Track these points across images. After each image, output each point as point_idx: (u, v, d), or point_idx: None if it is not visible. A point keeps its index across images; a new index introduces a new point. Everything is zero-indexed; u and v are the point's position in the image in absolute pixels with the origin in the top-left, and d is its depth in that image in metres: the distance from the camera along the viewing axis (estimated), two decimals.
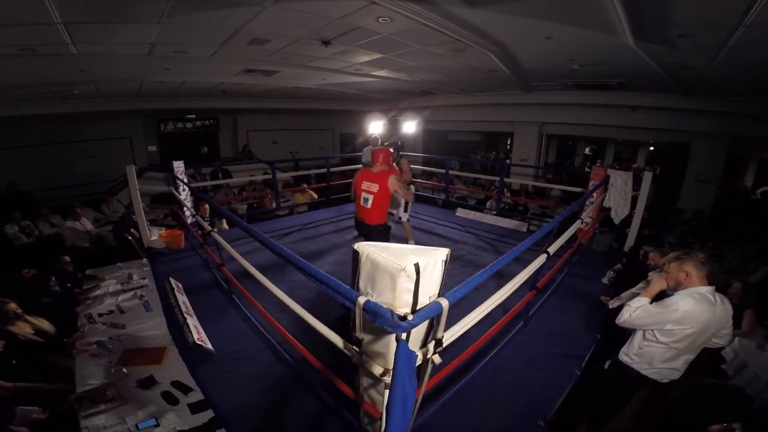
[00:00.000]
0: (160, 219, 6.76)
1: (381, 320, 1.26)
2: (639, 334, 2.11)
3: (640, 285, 2.83)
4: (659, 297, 2.12)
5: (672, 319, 1.92)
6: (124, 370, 2.39)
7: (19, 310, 2.80)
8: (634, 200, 4.50)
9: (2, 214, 6.16)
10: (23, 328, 2.74)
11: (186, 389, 2.25)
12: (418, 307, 1.42)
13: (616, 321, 2.11)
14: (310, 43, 4.32)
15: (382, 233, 3.41)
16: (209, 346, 2.73)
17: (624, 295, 2.96)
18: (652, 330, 2.02)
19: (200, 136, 11.55)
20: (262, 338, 2.91)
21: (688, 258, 1.98)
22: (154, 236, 4.88)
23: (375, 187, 3.32)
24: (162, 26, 3.48)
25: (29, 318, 2.84)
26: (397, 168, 3.86)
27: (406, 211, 4.92)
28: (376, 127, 7.33)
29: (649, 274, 2.54)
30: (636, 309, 2.02)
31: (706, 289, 1.95)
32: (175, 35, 3.83)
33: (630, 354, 2.13)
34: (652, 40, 3.59)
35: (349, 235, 5.46)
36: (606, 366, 2.26)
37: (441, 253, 1.50)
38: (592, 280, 3.90)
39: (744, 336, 3.15)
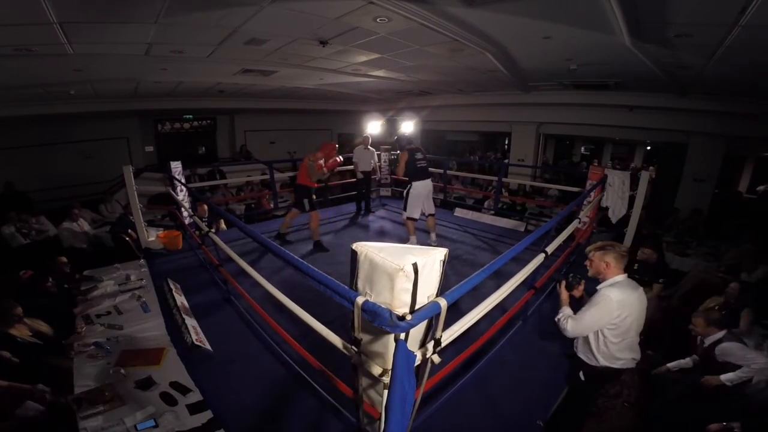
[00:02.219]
0: (158, 220, 6.73)
1: (379, 320, 1.26)
2: (591, 337, 2.16)
3: None
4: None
5: (614, 314, 2.02)
6: (123, 371, 2.37)
7: (22, 314, 2.79)
8: (632, 200, 4.51)
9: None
10: (21, 330, 2.72)
11: (185, 390, 2.24)
12: (416, 307, 1.42)
13: (567, 335, 2.21)
14: (308, 43, 4.31)
15: (296, 190, 4.90)
16: (208, 346, 2.73)
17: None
18: (600, 331, 2.10)
19: (198, 136, 11.52)
20: (261, 338, 2.91)
21: (611, 250, 2.13)
22: (152, 237, 4.87)
23: None
24: (158, 26, 3.46)
25: (27, 320, 2.82)
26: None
27: (405, 209, 4.77)
28: (374, 127, 7.34)
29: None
30: (567, 319, 2.18)
31: (622, 277, 2.10)
32: (172, 35, 3.82)
33: (595, 356, 2.17)
34: (649, 40, 3.60)
35: (347, 235, 5.46)
36: (582, 377, 2.28)
37: (439, 253, 1.50)
38: (590, 279, 3.91)
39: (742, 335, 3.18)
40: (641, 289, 2.15)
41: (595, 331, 2.13)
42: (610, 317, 2.02)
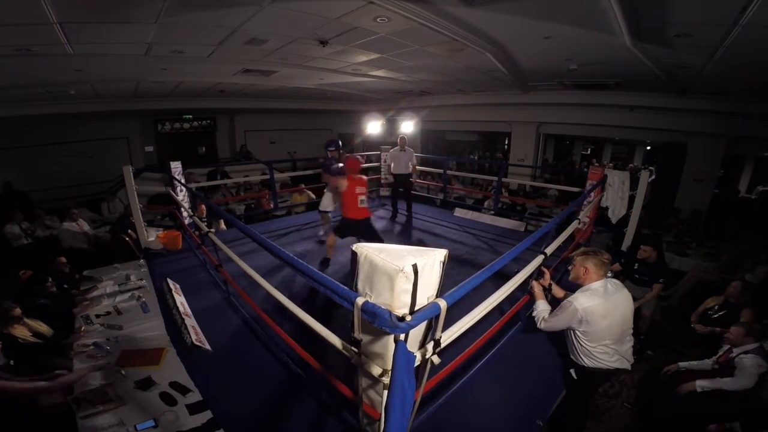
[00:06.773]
0: (158, 220, 6.73)
1: (379, 321, 1.26)
2: (572, 338, 2.19)
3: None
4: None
5: (577, 319, 2.05)
6: (122, 371, 2.38)
7: (21, 314, 2.78)
8: (632, 200, 4.51)
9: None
10: (22, 331, 2.72)
11: (184, 390, 2.24)
12: (416, 308, 1.42)
13: (538, 326, 2.26)
14: (308, 43, 4.31)
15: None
16: (207, 346, 2.73)
17: None
18: (575, 332, 2.14)
19: (197, 136, 11.50)
20: (261, 339, 2.91)
21: (592, 255, 2.14)
22: (152, 237, 4.86)
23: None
24: (159, 26, 3.46)
25: (26, 320, 2.82)
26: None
27: None
28: (374, 126, 7.33)
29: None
30: (540, 319, 2.24)
31: (599, 283, 2.10)
32: (172, 35, 3.81)
33: (581, 356, 2.19)
34: (649, 40, 3.60)
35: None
36: (574, 375, 2.30)
37: (439, 254, 1.50)
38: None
39: None
40: (624, 291, 2.16)
41: (571, 335, 2.18)
42: (576, 323, 2.07)
